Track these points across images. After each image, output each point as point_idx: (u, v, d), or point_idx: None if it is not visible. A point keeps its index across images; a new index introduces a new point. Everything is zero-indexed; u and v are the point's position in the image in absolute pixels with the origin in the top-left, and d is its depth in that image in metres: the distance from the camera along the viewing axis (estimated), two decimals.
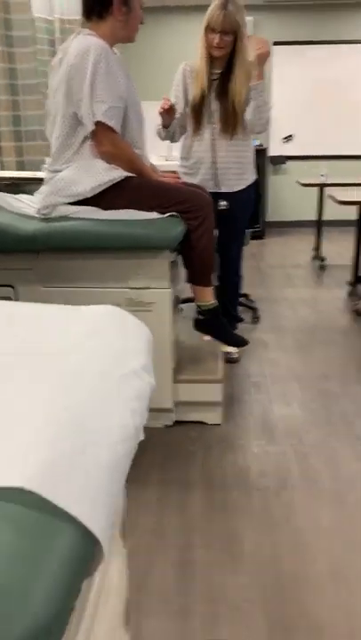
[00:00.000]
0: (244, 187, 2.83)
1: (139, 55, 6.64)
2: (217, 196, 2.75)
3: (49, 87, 2.18)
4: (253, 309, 3.80)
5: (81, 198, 2.09)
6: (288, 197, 7.20)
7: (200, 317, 2.31)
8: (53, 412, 0.56)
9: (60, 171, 2.13)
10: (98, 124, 2.02)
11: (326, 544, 1.68)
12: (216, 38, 2.53)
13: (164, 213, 2.11)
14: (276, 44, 6.79)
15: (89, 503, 0.48)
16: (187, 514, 1.83)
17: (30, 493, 0.46)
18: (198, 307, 2.30)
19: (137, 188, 2.11)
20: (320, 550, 1.66)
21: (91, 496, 0.49)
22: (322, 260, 5.19)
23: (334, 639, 1.36)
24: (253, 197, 2.94)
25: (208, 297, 2.27)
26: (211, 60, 2.66)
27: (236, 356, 3.06)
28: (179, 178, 2.50)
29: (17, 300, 2.21)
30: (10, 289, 2.19)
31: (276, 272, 5.10)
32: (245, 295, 4.03)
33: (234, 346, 2.42)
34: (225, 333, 2.34)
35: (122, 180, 2.10)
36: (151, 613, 1.44)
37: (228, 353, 3.05)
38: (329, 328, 3.59)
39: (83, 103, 2.01)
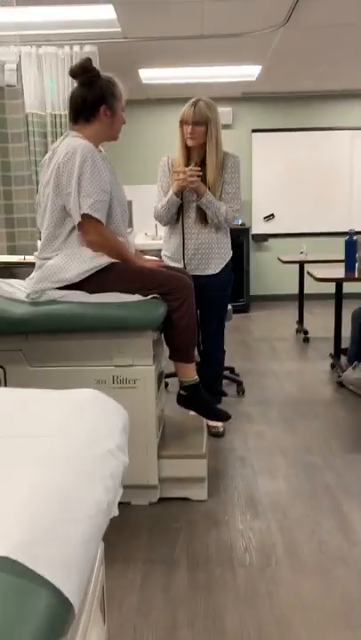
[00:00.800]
0: (218, 270, 2.98)
1: (125, 143, 7.04)
2: (194, 278, 2.92)
3: (39, 182, 2.36)
4: (238, 383, 3.89)
5: (68, 283, 2.22)
6: (271, 273, 7.45)
7: (182, 393, 2.40)
8: (35, 489, 0.64)
9: (49, 258, 2.27)
10: (84, 216, 2.18)
11: (309, 621, 1.70)
12: (189, 129, 2.79)
13: (146, 295, 2.25)
14: (254, 131, 7.25)
15: (64, 570, 0.55)
16: (171, 593, 1.84)
17: (13, 562, 0.53)
18: (180, 382, 2.40)
19: (121, 273, 2.26)
20: (304, 627, 1.67)
21: (66, 564, 0.56)
22: (305, 333, 5.33)
23: None
24: (230, 278, 3.09)
25: (190, 373, 2.37)
26: (188, 151, 2.89)
27: (221, 429, 3.12)
28: (161, 262, 2.65)
29: (6, 379, 2.29)
30: (0, 370, 2.28)
31: (261, 345, 5.23)
32: (231, 369, 4.12)
33: (216, 420, 2.50)
34: (207, 408, 2.42)
35: (107, 267, 2.24)
36: None
37: (212, 427, 3.11)
38: (312, 400, 3.67)
39: (71, 197, 2.18)
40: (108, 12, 4.22)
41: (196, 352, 2.57)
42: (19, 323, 2.18)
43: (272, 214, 7.45)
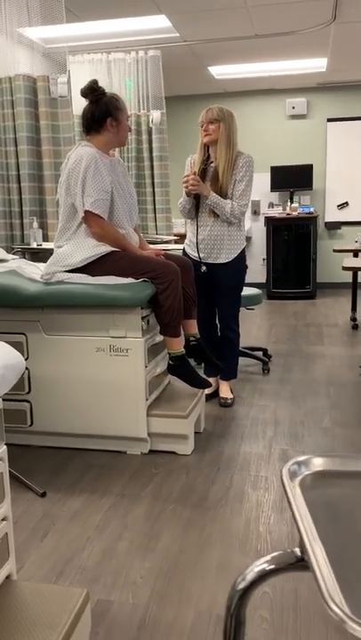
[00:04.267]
0: (229, 260, 3.33)
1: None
2: (208, 265, 3.31)
3: (58, 183, 2.87)
4: (264, 362, 4.21)
5: (74, 267, 2.72)
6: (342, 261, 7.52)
7: (170, 363, 2.82)
8: None
9: (61, 246, 2.78)
10: (87, 212, 2.66)
11: (226, 548, 2.07)
12: (204, 127, 3.16)
13: (137, 279, 2.68)
14: (329, 120, 7.33)
15: None
16: (127, 518, 2.29)
17: None
18: (169, 354, 2.81)
19: (117, 260, 2.71)
20: (219, 554, 2.05)
21: None
22: (354, 320, 5.48)
23: None
24: (242, 267, 3.42)
25: (176, 346, 2.78)
26: (206, 151, 3.27)
27: (229, 401, 3.49)
28: (160, 251, 3.04)
29: (28, 345, 2.84)
30: (22, 336, 2.83)
31: (309, 330, 5.46)
32: (264, 350, 4.44)
33: (197, 387, 2.88)
34: (191, 376, 2.82)
35: (106, 254, 2.71)
36: None
37: (222, 398, 3.50)
38: (331, 382, 3.91)
39: (77, 197, 2.67)
40: (163, 21, 4.65)
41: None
42: (33, 298, 2.71)
43: (346, 202, 7.51)
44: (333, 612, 0.44)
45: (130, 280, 2.69)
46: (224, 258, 3.34)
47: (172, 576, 1.93)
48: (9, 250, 3.92)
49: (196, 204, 3.29)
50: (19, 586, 1.52)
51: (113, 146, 2.84)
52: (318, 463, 0.65)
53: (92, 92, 2.71)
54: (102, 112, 2.71)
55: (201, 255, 3.34)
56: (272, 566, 0.56)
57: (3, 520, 1.49)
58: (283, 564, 0.56)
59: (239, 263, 3.39)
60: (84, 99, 2.74)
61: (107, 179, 2.69)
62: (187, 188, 3.17)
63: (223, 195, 3.21)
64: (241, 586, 0.56)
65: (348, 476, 0.65)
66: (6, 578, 1.53)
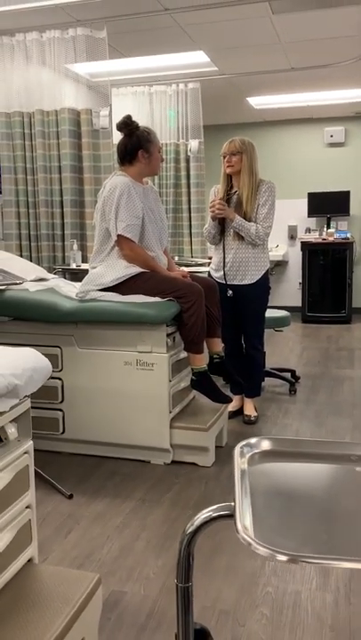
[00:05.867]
0: (254, 281, 3.48)
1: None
2: (231, 287, 3.48)
3: (95, 209, 3.10)
4: (291, 383, 4.32)
5: (106, 286, 2.93)
6: None
7: (193, 378, 2.98)
8: None
9: (95, 267, 3.00)
10: (119, 236, 2.88)
11: (234, 552, 2.20)
12: (226, 158, 3.35)
13: (163, 298, 2.88)
14: None
15: None
16: (146, 520, 2.45)
17: None
18: (192, 369, 2.98)
19: (146, 281, 2.91)
20: (226, 559, 2.18)
21: None
22: None
23: None
24: (266, 288, 3.57)
25: (199, 362, 2.95)
26: (230, 181, 3.46)
27: (253, 418, 3.62)
28: (185, 272, 3.22)
29: (62, 357, 3.06)
30: (57, 349, 3.05)
31: (341, 354, 5.53)
32: (292, 371, 4.55)
33: (219, 402, 3.02)
34: (213, 392, 2.97)
35: (136, 275, 2.92)
36: None
37: (245, 415, 3.63)
38: (356, 404, 3.99)
39: (111, 221, 2.89)
40: (201, 57, 4.91)
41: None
42: (68, 314, 2.93)
43: None
44: (243, 538, 0.60)
45: (156, 299, 2.88)
46: (249, 279, 3.50)
47: None
48: (50, 270, 4.19)
49: (221, 229, 3.48)
50: (39, 568, 1.69)
51: (145, 175, 3.06)
52: (265, 444, 0.80)
53: (126, 126, 2.95)
54: (134, 145, 2.94)
55: (227, 277, 3.50)
56: (215, 514, 0.71)
57: (27, 508, 1.68)
58: (222, 513, 0.71)
59: (264, 284, 3.54)
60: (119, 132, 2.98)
61: (138, 205, 2.91)
62: (213, 212, 3.36)
63: (247, 220, 3.38)
64: (190, 530, 0.72)
65: (287, 454, 0.79)
66: (28, 561, 1.71)
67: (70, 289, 3.15)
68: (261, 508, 0.67)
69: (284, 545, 0.58)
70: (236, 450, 0.82)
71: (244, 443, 0.83)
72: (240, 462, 0.79)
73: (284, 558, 0.57)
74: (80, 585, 1.60)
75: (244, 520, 0.63)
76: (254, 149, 3.40)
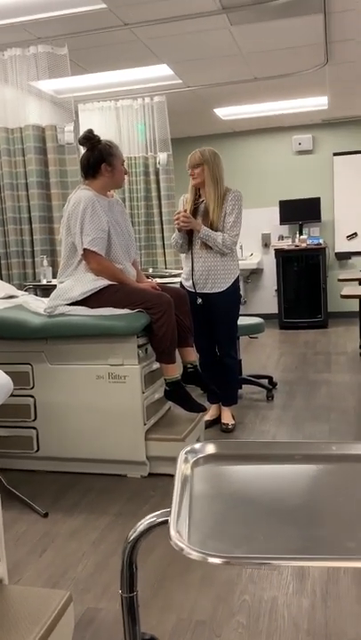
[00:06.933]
0: (223, 289, 3.49)
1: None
2: (201, 295, 3.48)
3: (60, 224, 3.10)
4: (268, 389, 4.32)
5: (74, 301, 2.92)
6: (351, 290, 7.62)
7: (166, 388, 2.97)
8: None
9: (63, 282, 2.99)
10: (85, 250, 2.87)
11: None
12: (190, 172, 3.38)
13: (133, 310, 2.87)
14: (335, 154, 7.55)
15: None
16: (123, 535, 2.42)
17: None
18: (165, 380, 2.97)
19: (114, 293, 2.90)
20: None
21: None
22: None
23: None
24: (236, 296, 3.58)
25: (171, 372, 2.94)
26: (197, 190, 3.47)
27: (230, 426, 3.61)
28: (154, 283, 3.22)
29: (33, 374, 3.03)
30: (28, 366, 3.02)
31: (317, 358, 5.56)
32: (269, 377, 4.56)
33: (193, 412, 3.01)
34: (186, 401, 2.96)
35: (104, 287, 2.91)
36: None
37: (223, 424, 3.62)
38: (333, 407, 4.00)
39: (76, 236, 2.89)
40: (165, 70, 4.95)
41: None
42: (37, 330, 2.91)
43: (355, 233, 7.65)
44: (175, 544, 0.59)
45: (126, 311, 2.87)
46: (218, 287, 3.51)
47: (159, 587, 2.05)
48: (21, 287, 4.16)
49: (189, 239, 3.49)
50: (7, 589, 1.66)
51: (110, 188, 3.06)
52: (210, 449, 0.79)
53: (88, 140, 2.95)
54: (97, 158, 2.95)
55: (196, 286, 3.51)
56: (158, 520, 0.70)
57: None
58: (161, 519, 0.70)
59: (234, 291, 3.55)
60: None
61: (103, 218, 2.91)
62: (178, 224, 3.37)
63: (214, 229, 3.39)
64: (133, 536, 0.71)
65: (232, 457, 0.79)
66: None
67: (39, 305, 3.13)
68: (200, 512, 0.66)
69: (218, 548, 0.57)
70: (180, 455, 0.81)
71: (188, 448, 0.82)
72: (183, 468, 0.78)
73: (217, 561, 0.57)
74: (49, 604, 1.57)
75: (180, 525, 0.62)
76: (216, 158, 3.42)
